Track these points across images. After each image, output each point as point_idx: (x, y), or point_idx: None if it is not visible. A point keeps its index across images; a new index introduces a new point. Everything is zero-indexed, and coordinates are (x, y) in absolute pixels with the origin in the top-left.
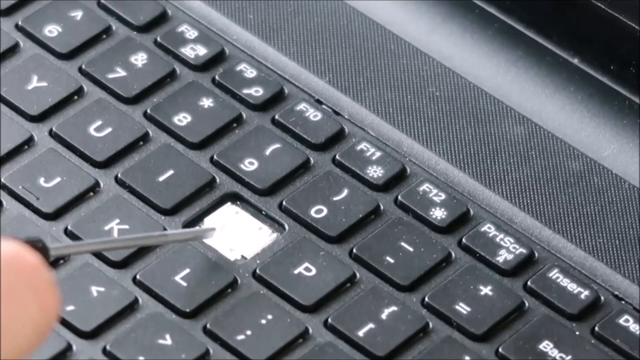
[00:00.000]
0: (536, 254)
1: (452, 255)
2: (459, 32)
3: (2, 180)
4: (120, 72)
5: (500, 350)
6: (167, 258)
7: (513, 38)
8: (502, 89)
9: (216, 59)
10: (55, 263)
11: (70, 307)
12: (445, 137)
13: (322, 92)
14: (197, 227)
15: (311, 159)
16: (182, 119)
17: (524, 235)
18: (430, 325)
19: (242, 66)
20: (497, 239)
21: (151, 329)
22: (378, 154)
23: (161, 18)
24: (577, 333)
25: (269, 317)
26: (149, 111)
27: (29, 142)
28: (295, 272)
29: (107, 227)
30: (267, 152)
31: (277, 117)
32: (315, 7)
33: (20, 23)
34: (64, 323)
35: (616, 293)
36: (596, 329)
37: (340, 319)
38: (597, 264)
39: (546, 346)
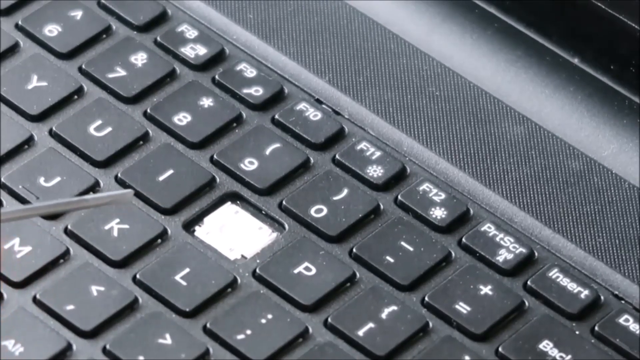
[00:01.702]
0: (536, 254)
1: (452, 255)
2: (459, 32)
3: (2, 179)
4: (120, 72)
5: (500, 349)
6: (167, 257)
7: (513, 38)
8: (501, 88)
9: (216, 59)
10: (55, 263)
11: (70, 307)
12: (445, 137)
13: (322, 91)
14: (115, 191)
15: (311, 158)
16: (182, 119)
17: (524, 234)
18: (430, 324)
19: (242, 66)
20: (497, 239)
21: (151, 329)
22: (378, 153)
23: (161, 18)
24: (577, 333)
25: (269, 316)
26: (149, 111)
27: (29, 141)
28: (295, 271)
29: (107, 227)
30: (267, 151)
31: (277, 116)
32: (315, 6)
33: (20, 23)
34: (64, 322)
35: (616, 292)
36: (596, 328)
37: (340, 319)
38: (597, 263)
39: (546, 346)
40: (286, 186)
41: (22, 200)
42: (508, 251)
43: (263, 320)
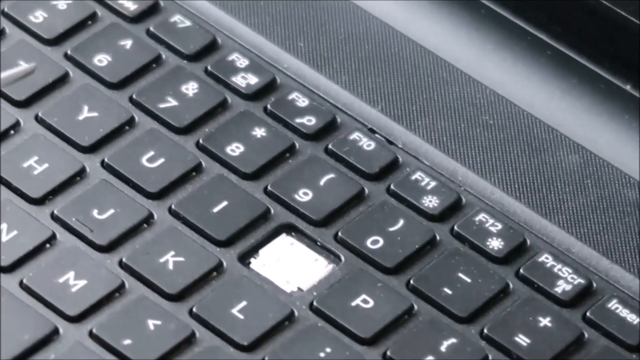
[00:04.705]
0: (594, 285)
1: (509, 286)
2: (512, 59)
3: (56, 212)
4: (171, 102)
5: None
6: (224, 290)
7: (566, 65)
8: (555, 116)
9: (268, 88)
10: (110, 296)
11: (127, 341)
12: (500, 166)
13: (375, 121)
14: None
15: (366, 189)
16: (234, 149)
17: (582, 265)
18: (490, 357)
19: (294, 95)
20: (555, 270)
21: None
22: (433, 183)
23: (211, 46)
24: None
25: (328, 350)
26: (201, 141)
27: (81, 173)
28: (353, 304)
29: (162, 260)
30: (321, 182)
31: (330, 146)
32: (366, 34)
33: (69, 52)
34: (121, 357)
35: None
36: None
37: (400, 352)
38: None
39: None
40: (341, 217)
41: (76, 234)
42: (566, 282)
43: (322, 354)
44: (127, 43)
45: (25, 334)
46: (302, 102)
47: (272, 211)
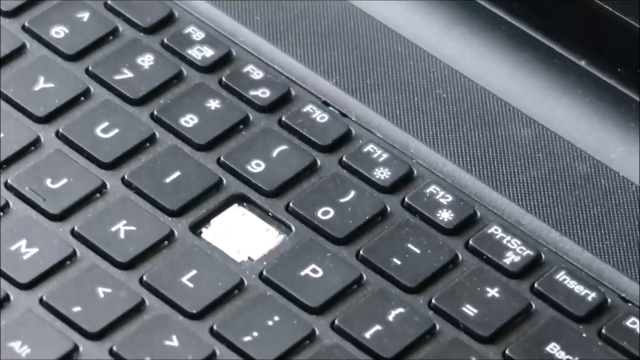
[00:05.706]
0: (543, 256)
1: (459, 257)
2: (467, 35)
3: (9, 181)
4: (127, 74)
5: (507, 352)
6: (174, 259)
7: (521, 40)
8: (509, 91)
9: (223, 61)
10: (62, 264)
11: (77, 309)
12: (452, 139)
13: (329, 93)
14: None
15: (318, 160)
16: (188, 121)
17: (531, 237)
18: (437, 327)
19: (248, 68)
20: (504, 241)
21: (158, 331)
22: (385, 155)
23: (168, 19)
24: (584, 335)
25: (276, 318)
26: (155, 113)
27: (35, 143)
28: (302, 273)
29: (113, 229)
30: (274, 153)
31: (284, 118)
32: (323, 8)
33: (26, 24)
34: (71, 324)
35: (623, 295)
36: (603, 331)
37: (347, 321)
38: (604, 266)
39: (553, 348)
40: (293, 188)
41: (29, 202)
42: (515, 254)
43: (270, 322)
44: (85, 15)
45: None
46: (257, 74)
47: (225, 182)
